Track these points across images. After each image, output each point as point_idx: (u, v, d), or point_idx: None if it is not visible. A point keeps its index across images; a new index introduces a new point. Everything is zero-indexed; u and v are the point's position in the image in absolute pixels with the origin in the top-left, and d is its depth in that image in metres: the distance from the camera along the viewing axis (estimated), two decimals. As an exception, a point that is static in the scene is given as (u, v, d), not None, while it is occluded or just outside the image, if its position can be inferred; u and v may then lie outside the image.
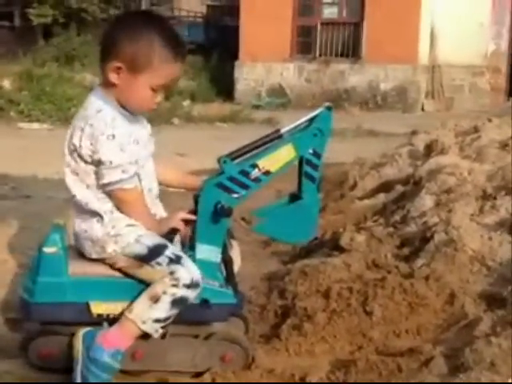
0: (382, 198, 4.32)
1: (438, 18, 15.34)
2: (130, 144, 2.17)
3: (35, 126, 11.33)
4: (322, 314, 2.63)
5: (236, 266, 2.42)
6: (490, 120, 5.52)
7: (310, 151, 2.28)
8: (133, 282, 2.22)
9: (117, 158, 2.13)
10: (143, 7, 20.02)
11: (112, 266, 2.24)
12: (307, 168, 2.29)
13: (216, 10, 24.19)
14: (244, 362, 2.33)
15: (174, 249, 2.21)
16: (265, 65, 16.78)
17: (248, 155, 2.28)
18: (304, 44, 16.81)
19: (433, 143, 5.01)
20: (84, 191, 2.21)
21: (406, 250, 3.26)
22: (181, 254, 2.20)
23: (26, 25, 20.94)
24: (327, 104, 2.36)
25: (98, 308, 2.21)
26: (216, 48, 18.57)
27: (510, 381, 2.05)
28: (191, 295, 2.17)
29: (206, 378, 2.27)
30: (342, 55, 16.45)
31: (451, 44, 15.01)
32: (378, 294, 2.68)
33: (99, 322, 2.22)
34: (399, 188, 4.29)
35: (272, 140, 2.30)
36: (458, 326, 2.55)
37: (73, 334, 2.21)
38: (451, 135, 5.31)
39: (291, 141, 2.28)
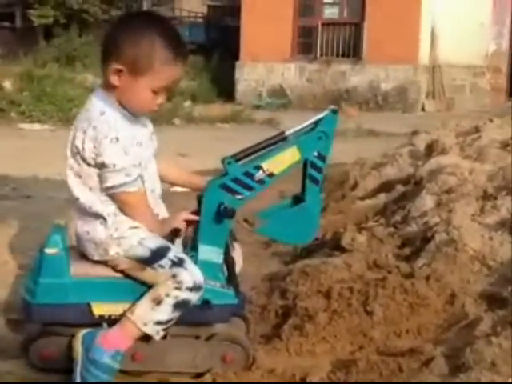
0: (382, 198, 4.32)
1: (438, 18, 15.33)
2: (133, 146, 2.17)
3: (36, 126, 11.33)
4: (322, 314, 2.63)
5: (237, 267, 2.42)
6: (490, 120, 5.52)
7: (315, 154, 2.28)
8: (135, 283, 2.23)
9: (120, 161, 2.12)
10: (144, 8, 20.04)
11: (114, 268, 2.24)
12: (311, 171, 2.29)
13: (217, 10, 24.20)
14: (245, 363, 2.33)
15: (176, 251, 2.21)
16: (266, 65, 16.79)
17: (252, 157, 2.28)
18: (305, 44, 16.82)
19: (433, 143, 5.01)
20: (87, 194, 2.21)
21: (406, 250, 3.26)
22: (183, 256, 2.20)
23: (27, 25, 20.98)
24: (332, 107, 2.36)
25: (100, 309, 2.21)
26: (217, 48, 18.58)
27: (510, 381, 2.05)
28: (194, 298, 2.17)
29: (207, 378, 2.27)
30: (342, 55, 16.45)
31: (452, 44, 15.01)
32: (378, 294, 2.68)
33: (101, 323, 2.22)
34: (400, 188, 4.29)
35: (277, 142, 2.29)
36: (458, 325, 2.55)
37: (74, 335, 2.21)
38: (452, 135, 5.31)
39: (296, 143, 2.28)
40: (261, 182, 2.26)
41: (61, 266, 2.21)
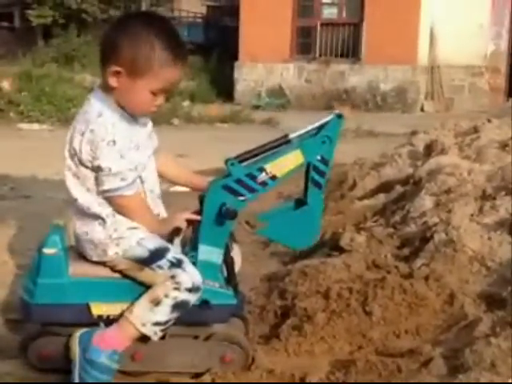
0: (381, 198, 4.32)
1: (437, 19, 15.34)
2: (130, 150, 2.16)
3: (35, 126, 11.33)
4: (321, 315, 2.63)
5: (236, 267, 2.42)
6: (489, 120, 5.52)
7: (318, 158, 2.28)
8: (133, 283, 2.22)
9: (116, 165, 2.12)
10: (143, 8, 20.03)
11: (113, 269, 2.24)
12: (314, 174, 2.29)
13: (216, 10, 24.21)
14: (244, 363, 2.33)
15: (175, 252, 2.21)
16: (265, 65, 16.79)
17: (256, 159, 2.28)
18: (304, 44, 16.82)
19: (432, 143, 5.01)
20: (85, 195, 2.20)
21: (405, 251, 3.26)
22: (182, 257, 2.20)
23: (26, 25, 20.99)
24: (337, 111, 2.36)
25: (99, 309, 2.21)
26: (216, 48, 18.59)
27: (509, 381, 2.05)
28: (192, 299, 2.17)
29: (206, 378, 2.27)
30: (341, 56, 16.46)
31: (451, 44, 15.01)
32: (377, 294, 2.68)
33: (99, 323, 2.22)
34: (399, 188, 4.29)
35: (280, 145, 2.29)
36: (457, 326, 2.54)
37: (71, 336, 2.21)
38: (451, 135, 5.31)
39: (299, 146, 2.27)
40: (263, 184, 2.25)
41: (59, 266, 2.21)
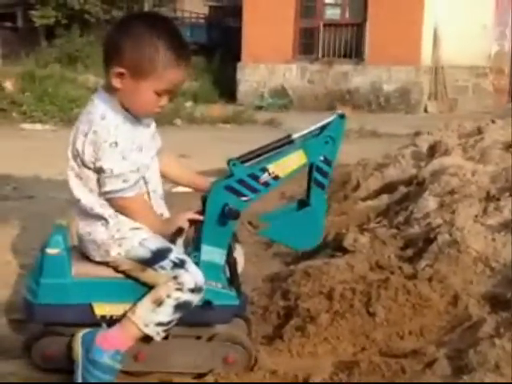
0: (385, 199, 4.31)
1: (441, 19, 15.33)
2: (132, 152, 2.15)
3: (38, 126, 11.35)
4: (324, 315, 2.62)
5: (239, 268, 2.41)
6: (493, 121, 5.51)
7: (321, 158, 2.27)
8: (136, 283, 2.22)
9: (118, 167, 2.12)
10: (146, 8, 20.05)
11: (116, 269, 2.24)
12: (317, 175, 2.28)
13: (218, 11, 24.23)
14: (247, 364, 2.33)
15: (178, 253, 2.20)
16: (267, 66, 16.80)
17: (258, 159, 2.27)
18: (306, 45, 16.82)
19: (436, 144, 5.00)
20: (88, 195, 2.20)
21: (409, 251, 3.25)
22: (185, 258, 2.19)
23: (29, 26, 21.03)
24: (340, 112, 2.35)
25: (101, 309, 2.21)
26: (218, 49, 18.59)
27: (514, 382, 2.04)
28: (195, 299, 2.16)
29: (209, 379, 2.26)
30: (344, 56, 16.45)
31: (454, 45, 15.00)
32: (381, 295, 2.68)
33: (102, 323, 2.22)
34: (402, 189, 4.29)
35: (283, 145, 2.28)
36: (461, 327, 2.54)
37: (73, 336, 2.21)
38: (454, 136, 5.30)
39: (302, 147, 2.26)
40: (266, 184, 2.25)
41: (62, 266, 2.21)
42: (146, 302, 2.16)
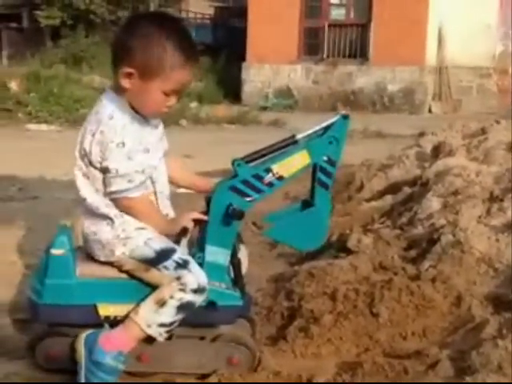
0: (389, 199, 4.31)
1: (445, 20, 15.32)
2: (138, 152, 2.16)
3: (43, 127, 11.38)
4: (328, 316, 2.62)
5: (243, 268, 2.42)
6: (497, 122, 5.50)
7: (325, 158, 2.27)
8: (140, 284, 2.23)
9: (123, 167, 2.13)
10: (151, 9, 20.06)
11: (120, 269, 2.24)
12: (321, 175, 2.28)
13: (224, 11, 24.25)
14: (250, 364, 2.33)
15: (181, 253, 2.20)
16: (272, 66, 16.81)
17: (262, 159, 2.28)
18: (311, 45, 16.84)
19: (440, 145, 5.00)
20: (94, 195, 2.21)
21: (412, 252, 3.25)
22: (188, 258, 2.20)
23: (34, 26, 21.07)
24: (343, 112, 2.35)
25: (106, 310, 2.22)
26: (223, 49, 18.61)
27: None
28: (198, 300, 2.16)
29: (212, 379, 2.27)
30: (349, 57, 16.46)
31: (459, 45, 15.00)
32: (384, 295, 2.68)
33: (107, 323, 2.23)
34: (406, 190, 4.29)
35: (287, 145, 2.29)
36: (464, 328, 2.54)
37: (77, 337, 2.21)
38: (458, 137, 5.30)
39: (306, 147, 2.26)
40: (270, 184, 2.25)
41: (67, 267, 2.21)
42: (149, 303, 2.16)
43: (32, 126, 11.34)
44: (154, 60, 2.13)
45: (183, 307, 2.14)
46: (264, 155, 2.28)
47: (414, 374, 2.25)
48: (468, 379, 2.09)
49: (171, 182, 2.48)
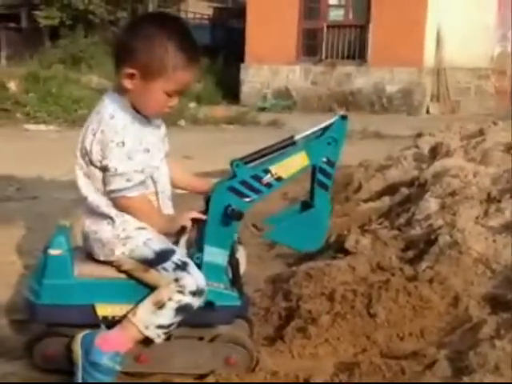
0: (386, 200, 4.32)
1: (443, 21, 15.32)
2: (138, 152, 2.17)
3: (42, 127, 11.37)
4: (326, 317, 2.63)
5: (241, 269, 2.42)
6: (495, 123, 5.51)
7: (324, 159, 2.27)
8: (139, 284, 2.23)
9: (122, 166, 2.13)
10: (150, 9, 20.06)
11: (118, 269, 2.25)
12: (320, 176, 2.28)
13: (222, 12, 24.25)
14: (248, 364, 2.33)
15: (180, 255, 2.21)
16: (271, 67, 16.81)
17: (261, 160, 2.28)
18: (310, 46, 16.83)
19: (438, 146, 5.01)
20: (94, 194, 2.22)
21: (410, 253, 3.26)
22: (187, 260, 2.20)
23: (33, 26, 21.06)
24: (342, 113, 2.36)
25: (104, 310, 2.22)
26: (222, 50, 18.58)
27: (513, 384, 2.05)
28: (196, 303, 2.16)
29: (210, 379, 2.27)
30: (348, 57, 16.46)
31: (457, 47, 15.00)
32: (382, 296, 2.69)
33: (105, 324, 2.23)
34: (404, 191, 4.29)
35: (286, 146, 2.29)
36: (462, 328, 2.54)
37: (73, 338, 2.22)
38: (456, 138, 5.30)
39: (304, 148, 2.27)
40: (268, 185, 2.25)
41: (65, 267, 2.22)
42: (147, 304, 2.16)
43: (30, 127, 11.33)
44: (156, 60, 2.14)
45: (181, 309, 2.14)
46: (263, 156, 2.29)
47: (412, 374, 2.25)
48: (465, 379, 2.10)
49: (170, 183, 2.48)
